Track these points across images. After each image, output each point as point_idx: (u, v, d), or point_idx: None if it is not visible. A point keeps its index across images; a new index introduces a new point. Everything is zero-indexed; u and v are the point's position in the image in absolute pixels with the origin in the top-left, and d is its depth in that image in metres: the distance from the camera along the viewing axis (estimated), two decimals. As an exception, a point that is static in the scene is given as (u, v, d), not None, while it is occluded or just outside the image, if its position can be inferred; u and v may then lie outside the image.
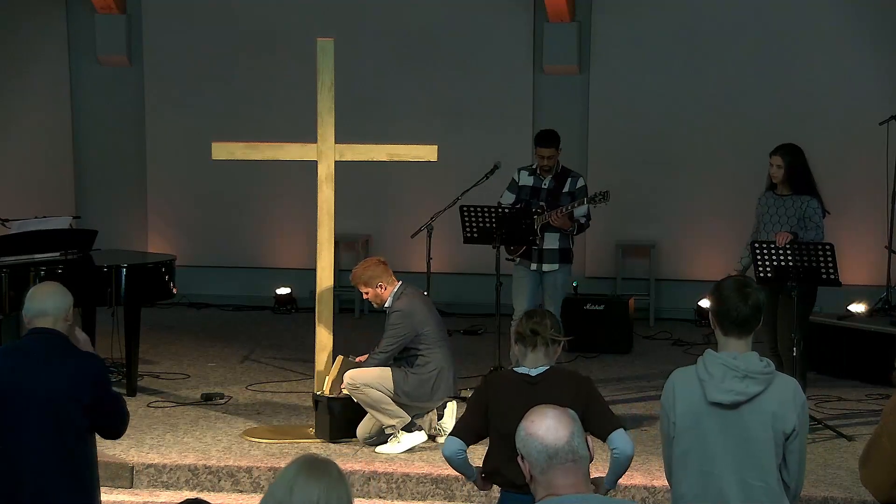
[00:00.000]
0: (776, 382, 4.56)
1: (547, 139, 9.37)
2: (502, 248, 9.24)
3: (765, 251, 8.28)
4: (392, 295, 8.15)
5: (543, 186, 9.38)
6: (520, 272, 9.35)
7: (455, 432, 5.37)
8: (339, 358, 8.34)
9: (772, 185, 8.69)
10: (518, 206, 9.27)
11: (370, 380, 7.98)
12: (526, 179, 9.45)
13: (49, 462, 5.13)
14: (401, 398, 8.01)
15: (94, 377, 5.23)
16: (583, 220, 9.32)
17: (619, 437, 5.21)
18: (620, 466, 5.25)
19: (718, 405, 4.53)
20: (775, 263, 8.23)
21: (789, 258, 8.19)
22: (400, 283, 8.22)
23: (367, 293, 8.22)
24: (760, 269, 8.30)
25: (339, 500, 3.47)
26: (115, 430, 5.41)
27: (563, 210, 9.15)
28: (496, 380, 5.51)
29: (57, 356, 5.19)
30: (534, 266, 9.34)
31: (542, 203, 9.24)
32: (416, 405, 8.09)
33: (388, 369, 8.04)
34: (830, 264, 8.16)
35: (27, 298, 5.30)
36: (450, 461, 5.34)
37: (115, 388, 5.42)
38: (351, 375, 8.03)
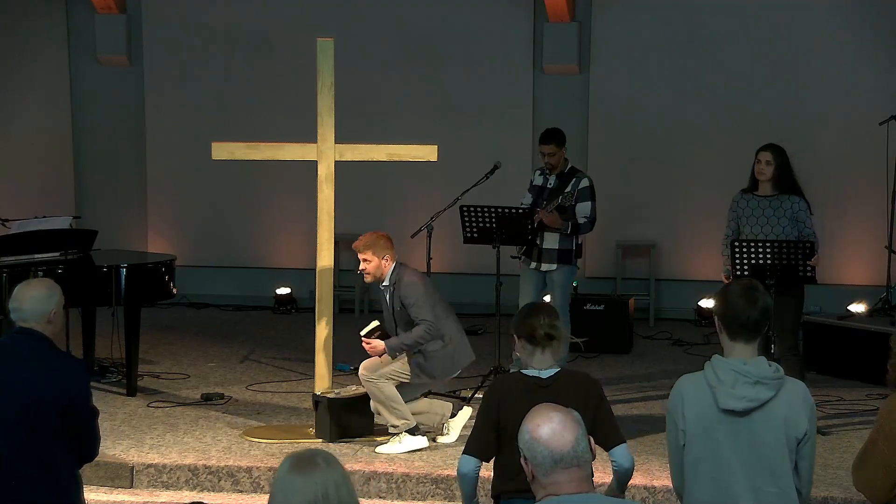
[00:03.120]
0: (786, 387, 4.50)
1: (546, 136, 9.42)
2: (504, 246, 9.27)
3: (744, 249, 8.30)
4: (391, 271, 8.09)
5: (548, 186, 9.41)
6: (525, 272, 9.37)
7: (469, 450, 5.28)
8: (376, 322, 8.25)
9: (752, 187, 8.64)
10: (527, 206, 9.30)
11: (389, 372, 7.97)
12: (538, 180, 9.50)
13: (23, 461, 5.08)
14: (426, 381, 8.12)
15: (74, 379, 5.16)
16: (581, 221, 9.24)
17: (621, 453, 5.22)
18: (622, 478, 5.27)
19: (730, 412, 4.46)
20: (753, 262, 8.23)
21: (768, 256, 8.20)
22: (397, 260, 8.17)
23: (369, 262, 8.03)
24: (738, 267, 8.30)
25: (338, 489, 3.30)
26: (88, 446, 5.27)
27: (548, 208, 9.13)
28: (505, 384, 5.41)
29: (36, 357, 5.14)
30: (534, 265, 9.34)
31: (545, 202, 9.28)
32: (444, 379, 8.30)
33: (406, 361, 8.03)
34: (809, 262, 8.20)
35: (11, 296, 5.24)
36: (463, 478, 5.24)
37: (93, 404, 5.29)
38: (368, 366, 8.03)
